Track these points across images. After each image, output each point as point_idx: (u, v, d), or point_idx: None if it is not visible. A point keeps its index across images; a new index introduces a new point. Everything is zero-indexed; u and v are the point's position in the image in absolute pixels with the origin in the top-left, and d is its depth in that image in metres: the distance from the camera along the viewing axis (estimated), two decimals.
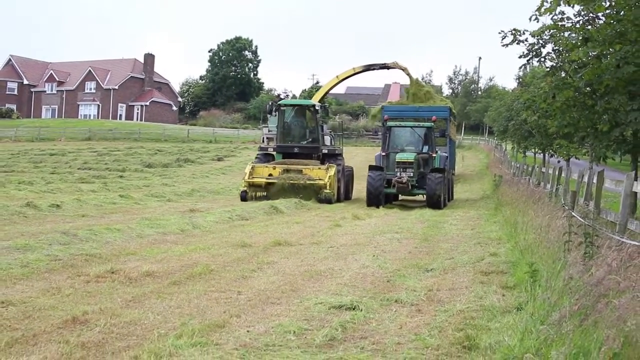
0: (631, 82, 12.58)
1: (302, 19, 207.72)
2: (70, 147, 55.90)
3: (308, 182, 24.22)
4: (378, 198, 23.23)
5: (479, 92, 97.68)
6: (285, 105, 27.83)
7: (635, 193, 9.58)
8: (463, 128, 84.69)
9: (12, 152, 50.95)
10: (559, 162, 36.22)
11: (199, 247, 11.89)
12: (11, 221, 15.13)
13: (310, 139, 26.85)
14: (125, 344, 5.94)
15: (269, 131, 29.73)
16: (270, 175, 24.72)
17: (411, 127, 25.82)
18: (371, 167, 24.11)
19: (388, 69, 39.80)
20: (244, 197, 24.22)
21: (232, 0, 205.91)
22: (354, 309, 7.40)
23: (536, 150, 45.90)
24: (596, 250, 7.64)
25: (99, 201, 20.83)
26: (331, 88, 40.58)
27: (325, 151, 26.88)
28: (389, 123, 25.37)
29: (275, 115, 27.49)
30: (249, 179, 24.62)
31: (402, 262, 10.99)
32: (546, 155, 43.11)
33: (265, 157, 26.84)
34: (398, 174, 23.34)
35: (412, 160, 23.49)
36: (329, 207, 23.06)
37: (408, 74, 40.52)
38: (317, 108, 27.07)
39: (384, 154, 24.70)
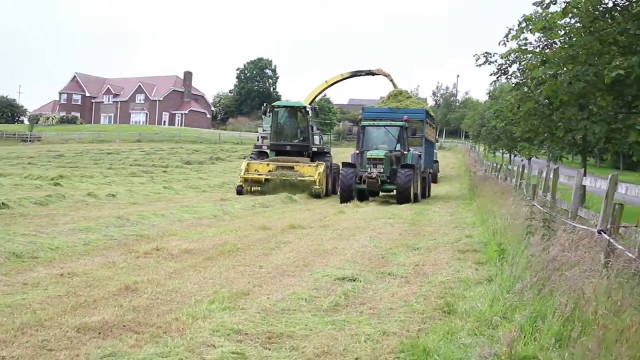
0: (581, 96, 12.56)
1: (313, 41, 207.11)
2: (123, 147, 55.98)
3: (299, 178, 22.33)
4: (350, 194, 20.44)
5: (457, 104, 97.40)
6: (279, 106, 25.22)
7: (584, 186, 9.55)
8: (444, 133, 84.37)
9: (77, 151, 51.08)
10: (522, 161, 36.16)
11: (228, 230, 11.90)
12: (75, 208, 15.19)
13: (301, 138, 24.62)
14: (168, 307, 5.97)
15: (263, 130, 27.46)
16: (267, 171, 22.81)
17: (384, 126, 22.28)
18: (344, 164, 21.36)
19: (373, 75, 36.62)
20: (239, 192, 22.12)
21: (256, 25, 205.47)
22: (354, 280, 7.40)
23: (503, 151, 45.87)
24: (552, 233, 7.63)
25: (147, 192, 20.91)
26: (321, 92, 37.49)
27: (314, 149, 24.75)
28: (363, 122, 22.24)
29: (269, 116, 25.31)
30: (244, 175, 22.61)
31: (394, 242, 10.97)
32: (511, 155, 43.05)
33: (260, 155, 24.90)
34: (368, 169, 20.56)
35: (383, 157, 20.50)
36: (334, 197, 22.98)
37: (391, 80, 36.53)
38: (307, 109, 24.91)
39: (357, 152, 21.54)
